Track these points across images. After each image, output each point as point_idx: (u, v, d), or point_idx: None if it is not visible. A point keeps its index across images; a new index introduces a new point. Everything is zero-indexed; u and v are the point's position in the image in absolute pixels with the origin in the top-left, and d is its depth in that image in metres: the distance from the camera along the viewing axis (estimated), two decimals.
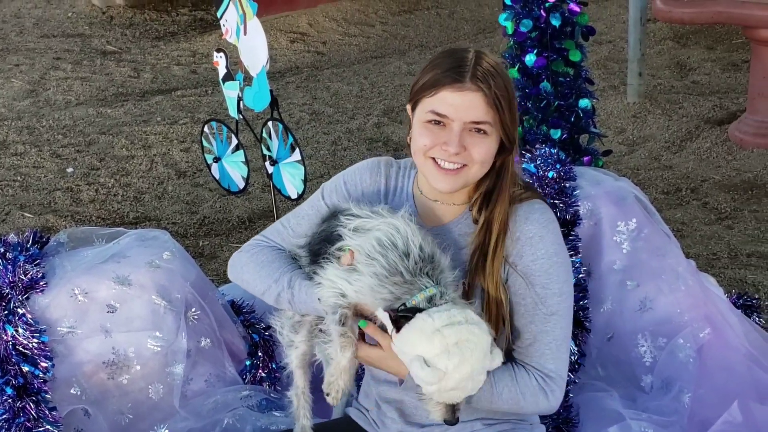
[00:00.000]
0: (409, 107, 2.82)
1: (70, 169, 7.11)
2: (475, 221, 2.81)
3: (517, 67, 4.49)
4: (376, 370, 2.90)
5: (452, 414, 2.63)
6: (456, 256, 2.80)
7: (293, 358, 3.03)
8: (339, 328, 2.71)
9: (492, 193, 2.80)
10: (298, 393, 3.08)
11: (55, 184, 6.86)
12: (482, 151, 2.72)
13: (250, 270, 3.02)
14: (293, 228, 3.01)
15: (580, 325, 3.82)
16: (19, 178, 6.96)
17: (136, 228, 4.69)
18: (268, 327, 3.84)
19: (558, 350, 2.81)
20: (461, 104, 2.67)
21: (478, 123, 2.69)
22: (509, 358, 2.84)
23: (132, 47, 10.33)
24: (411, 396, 2.86)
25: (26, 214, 6.35)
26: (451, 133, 2.68)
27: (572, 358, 3.80)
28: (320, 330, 2.89)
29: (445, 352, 2.54)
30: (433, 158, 2.74)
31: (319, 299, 2.76)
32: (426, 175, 2.80)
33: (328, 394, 2.75)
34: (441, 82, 2.68)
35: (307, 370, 3.06)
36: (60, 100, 8.75)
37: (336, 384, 2.73)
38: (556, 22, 4.37)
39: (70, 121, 8.12)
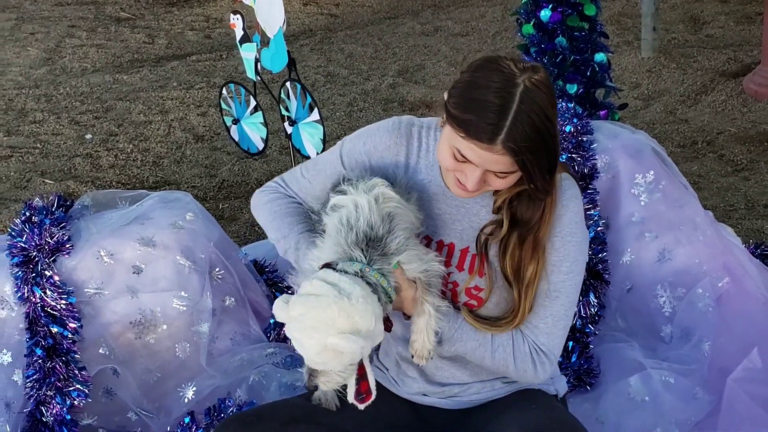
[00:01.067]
0: (445, 103, 2.63)
1: (88, 136, 7.14)
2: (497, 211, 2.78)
3: (532, 22, 4.50)
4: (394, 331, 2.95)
5: (309, 380, 2.61)
6: (470, 223, 2.81)
7: None
8: None
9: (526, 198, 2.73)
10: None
11: (75, 150, 6.90)
12: (502, 185, 2.65)
13: (265, 215, 2.99)
14: (310, 180, 2.97)
15: (599, 277, 3.86)
16: (38, 145, 7.00)
17: (156, 192, 4.73)
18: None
19: (554, 326, 2.80)
20: (488, 159, 2.55)
21: (501, 172, 2.59)
22: None
23: (146, 13, 10.34)
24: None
25: (47, 181, 6.40)
26: (473, 174, 2.60)
27: (592, 309, 3.84)
28: None
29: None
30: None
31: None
32: (446, 179, 2.77)
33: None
34: (472, 133, 2.52)
35: None
36: (76, 67, 8.78)
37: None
38: None
39: (87, 88, 8.16)
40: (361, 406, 2.70)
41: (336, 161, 2.92)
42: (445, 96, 2.63)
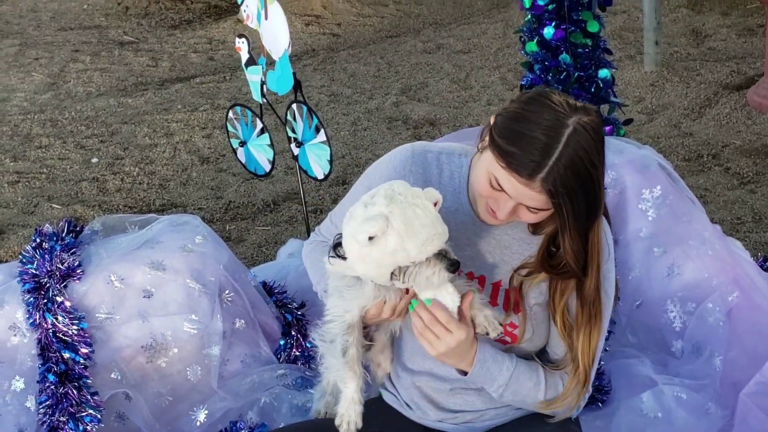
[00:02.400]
0: (490, 127, 2.59)
1: (94, 160, 7.16)
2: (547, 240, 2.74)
3: (536, 40, 4.51)
4: (407, 360, 2.95)
5: (445, 258, 2.53)
6: (507, 258, 2.79)
7: (328, 378, 3.00)
8: (341, 360, 2.74)
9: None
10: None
11: (81, 174, 6.92)
12: (532, 220, 2.63)
13: (308, 265, 3.05)
14: (337, 224, 2.92)
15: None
16: (45, 170, 7.02)
17: (163, 215, 4.74)
18: (301, 306, 3.91)
19: (593, 361, 2.80)
20: (524, 194, 2.51)
21: (534, 208, 2.57)
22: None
23: (149, 36, 10.38)
24: (443, 387, 2.91)
25: (54, 206, 6.41)
26: (506, 203, 2.57)
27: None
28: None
29: (378, 205, 2.50)
30: None
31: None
32: (477, 205, 2.73)
33: (339, 425, 2.77)
34: (513, 166, 2.48)
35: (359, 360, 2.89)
36: (81, 91, 8.80)
37: (347, 415, 2.76)
38: None
39: (92, 112, 8.18)
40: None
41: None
42: (491, 120, 2.60)
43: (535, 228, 2.75)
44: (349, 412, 2.75)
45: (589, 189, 2.52)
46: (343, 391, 2.77)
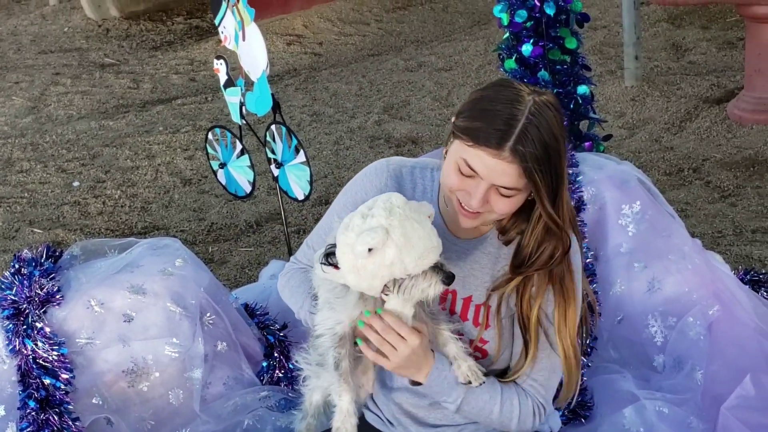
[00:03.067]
0: (452, 124, 2.68)
1: (76, 183, 7.15)
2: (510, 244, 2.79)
3: (514, 57, 4.52)
4: (386, 377, 2.95)
5: (441, 270, 2.57)
6: (477, 273, 2.82)
7: (310, 400, 3.03)
8: (334, 373, 2.75)
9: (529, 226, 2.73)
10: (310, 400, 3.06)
11: (63, 198, 6.91)
12: (504, 208, 2.65)
13: (286, 295, 3.05)
14: (314, 248, 2.95)
15: (590, 309, 3.85)
16: (26, 194, 7.01)
17: (145, 238, 4.74)
18: (284, 327, 3.90)
19: (550, 379, 2.83)
20: (495, 169, 2.56)
21: (506, 188, 2.60)
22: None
23: (130, 58, 10.38)
24: (421, 403, 2.92)
25: (36, 230, 6.39)
26: (477, 189, 2.60)
27: (584, 341, 3.84)
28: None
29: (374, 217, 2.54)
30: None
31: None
32: (448, 209, 2.77)
33: None
34: (481, 140, 2.55)
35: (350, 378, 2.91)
36: (62, 114, 8.79)
37: (343, 429, 2.77)
38: (550, 11, 4.39)
39: (73, 136, 8.17)
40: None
41: (333, 221, 2.87)
42: (452, 119, 2.67)
43: (503, 232, 2.79)
44: (345, 425, 2.76)
45: (555, 160, 2.58)
46: (337, 404, 2.77)
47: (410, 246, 2.50)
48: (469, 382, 2.75)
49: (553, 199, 2.62)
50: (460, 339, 2.76)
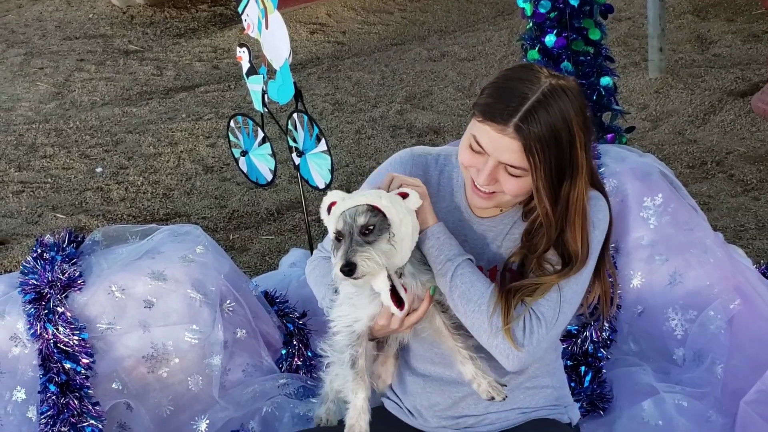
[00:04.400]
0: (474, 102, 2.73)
1: (99, 169, 7.18)
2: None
3: (537, 48, 4.51)
4: (417, 365, 2.96)
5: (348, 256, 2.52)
6: (503, 249, 2.82)
7: (331, 386, 3.03)
8: (350, 371, 2.76)
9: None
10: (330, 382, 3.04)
11: (85, 184, 6.93)
12: (513, 189, 2.66)
13: (312, 283, 3.04)
14: None
15: (611, 301, 3.85)
16: (49, 179, 7.04)
17: (166, 224, 4.75)
18: (303, 315, 3.91)
19: (557, 303, 2.71)
20: (500, 145, 2.59)
21: (512, 166, 2.61)
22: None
23: (154, 45, 10.39)
24: (446, 393, 2.93)
25: (58, 215, 6.42)
26: (485, 165, 2.63)
27: (604, 334, 3.84)
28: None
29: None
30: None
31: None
32: (465, 185, 2.80)
33: None
34: (489, 114, 2.58)
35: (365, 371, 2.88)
36: (86, 101, 8.82)
37: (357, 426, 2.77)
38: (574, 1, 4.38)
39: (96, 122, 8.19)
40: (400, 313, 2.66)
41: None
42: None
43: (525, 211, 2.79)
44: (359, 422, 2.77)
45: (563, 146, 2.58)
46: (351, 401, 2.78)
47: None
48: (492, 398, 2.77)
49: (552, 189, 2.63)
50: (478, 357, 2.76)
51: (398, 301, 2.64)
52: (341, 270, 2.50)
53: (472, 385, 2.78)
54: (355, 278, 2.51)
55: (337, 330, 2.75)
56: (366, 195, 2.57)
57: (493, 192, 2.68)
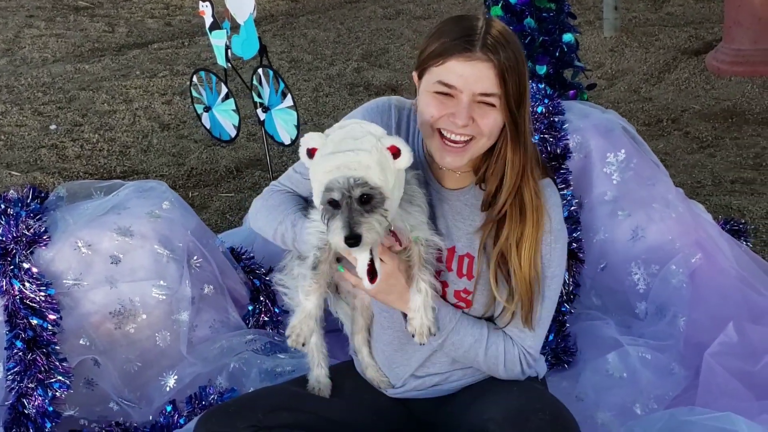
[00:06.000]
0: (415, 75, 2.74)
1: (53, 126, 7.10)
2: (489, 199, 2.78)
3: (500, 4, 4.52)
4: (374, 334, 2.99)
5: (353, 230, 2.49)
6: (459, 224, 2.83)
7: (311, 350, 3.00)
8: (310, 272, 2.73)
9: (492, 160, 2.74)
10: (311, 346, 3.01)
11: (40, 141, 6.86)
12: (490, 123, 2.65)
13: (263, 215, 2.98)
14: (303, 173, 2.93)
15: (574, 257, 3.88)
16: (2, 137, 6.95)
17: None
18: (269, 271, 3.90)
19: (538, 328, 2.85)
20: (471, 74, 2.59)
21: (486, 95, 2.62)
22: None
23: (104, 2, 10.29)
24: (409, 354, 2.95)
25: (13, 173, 6.35)
26: (460, 104, 2.62)
27: (567, 288, 3.87)
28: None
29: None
30: (440, 131, 2.69)
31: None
32: (432, 150, 2.75)
33: (288, 336, 2.75)
34: (449, 51, 2.59)
35: (318, 324, 2.88)
36: (37, 57, 8.71)
37: (298, 328, 2.74)
38: None
39: (48, 79, 8.10)
40: (371, 287, 2.65)
41: None
42: (414, 73, 2.74)
43: (481, 179, 2.80)
44: (302, 326, 2.74)
45: (522, 65, 2.64)
46: (302, 304, 2.74)
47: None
48: (413, 336, 2.76)
49: (518, 106, 2.65)
50: (434, 291, 2.76)
51: (372, 274, 2.63)
52: (346, 241, 2.47)
53: (409, 315, 2.75)
54: (356, 248, 2.50)
55: (310, 233, 2.72)
56: (358, 154, 2.50)
57: (468, 140, 2.67)
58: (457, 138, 2.67)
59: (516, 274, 2.76)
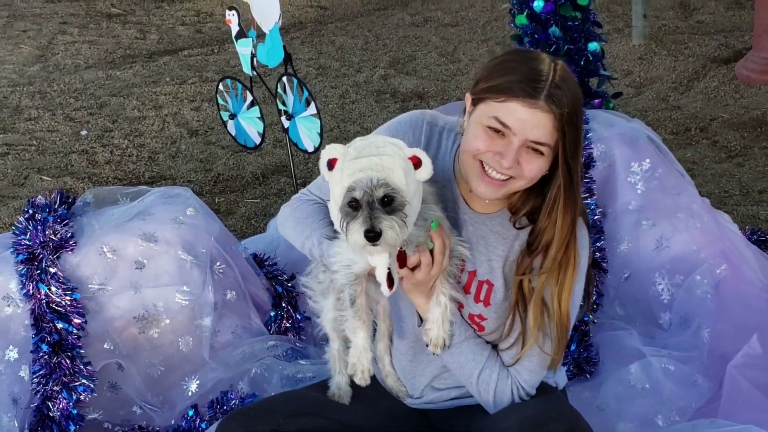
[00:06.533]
0: (469, 98, 2.71)
1: (84, 132, 7.16)
2: (536, 245, 2.76)
3: (525, 13, 4.51)
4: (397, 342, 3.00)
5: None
6: (483, 249, 2.82)
7: (325, 323, 3.01)
8: (350, 310, 2.75)
9: (545, 209, 2.72)
10: (333, 353, 3.05)
11: (71, 146, 6.91)
12: (534, 169, 2.64)
13: (290, 225, 2.96)
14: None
15: (598, 266, 3.88)
16: (34, 142, 7.01)
17: (153, 187, 4.75)
18: (292, 278, 3.92)
19: (538, 365, 2.84)
20: (529, 121, 2.57)
21: (538, 143, 2.60)
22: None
23: (136, 9, 10.35)
24: (430, 366, 2.96)
25: (44, 178, 6.40)
26: (510, 146, 2.60)
27: (591, 298, 3.86)
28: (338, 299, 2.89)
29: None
30: (482, 162, 2.67)
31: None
32: (468, 176, 2.72)
33: (353, 375, 2.81)
34: (513, 91, 2.55)
35: (341, 331, 2.97)
36: (69, 64, 8.78)
37: (360, 364, 2.78)
38: None
39: (80, 85, 8.16)
40: (389, 293, 2.65)
41: None
42: (468, 95, 2.70)
43: (514, 212, 2.79)
44: (361, 360, 2.78)
45: (580, 119, 2.62)
46: (352, 340, 2.78)
47: None
48: (427, 345, 2.78)
49: (573, 157, 2.63)
50: (454, 305, 2.77)
51: (389, 281, 2.63)
52: (366, 236, 2.47)
53: (426, 325, 2.77)
54: (375, 245, 2.48)
55: (336, 269, 2.73)
56: (382, 158, 2.51)
57: (508, 179, 2.66)
58: (497, 176, 2.65)
59: (554, 316, 2.76)
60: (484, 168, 2.65)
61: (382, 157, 2.50)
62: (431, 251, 2.64)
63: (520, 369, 2.83)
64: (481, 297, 2.83)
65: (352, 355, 2.79)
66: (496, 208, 2.82)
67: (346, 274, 2.71)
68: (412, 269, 2.66)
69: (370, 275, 2.71)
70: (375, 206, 2.47)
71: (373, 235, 2.46)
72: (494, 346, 2.88)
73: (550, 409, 2.77)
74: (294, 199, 3.03)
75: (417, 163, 2.54)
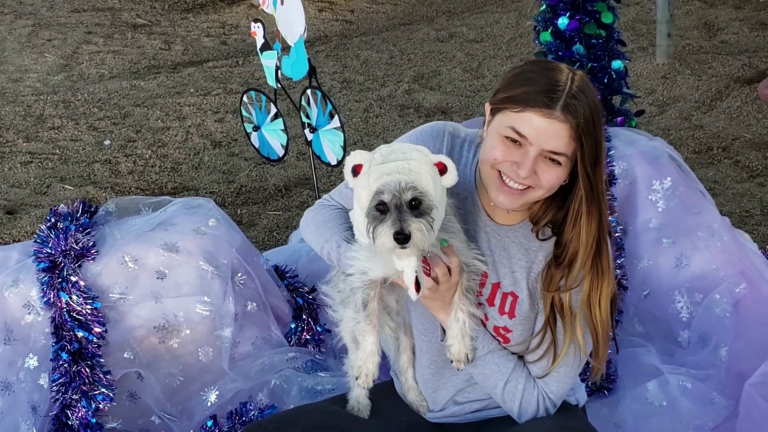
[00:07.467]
0: (488, 108, 2.72)
1: (107, 142, 7.20)
2: (563, 257, 2.76)
3: (550, 30, 4.53)
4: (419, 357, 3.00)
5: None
6: (506, 260, 2.83)
7: (345, 333, 3.00)
8: (362, 313, 2.77)
9: (569, 221, 2.71)
10: (352, 365, 3.02)
11: (94, 156, 6.95)
12: (551, 179, 2.64)
13: (311, 229, 2.98)
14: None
15: (618, 283, 3.88)
16: (57, 151, 7.06)
17: (175, 198, 4.77)
18: (312, 290, 3.93)
19: (566, 376, 2.85)
20: (545, 131, 2.57)
21: (555, 153, 2.60)
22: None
23: (161, 20, 10.40)
24: (451, 381, 2.97)
25: (67, 187, 6.44)
26: (526, 156, 2.60)
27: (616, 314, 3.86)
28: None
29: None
30: (500, 172, 2.67)
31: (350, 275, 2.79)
32: (487, 186, 2.73)
33: (357, 378, 2.83)
34: (530, 101, 2.56)
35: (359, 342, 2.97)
36: (93, 73, 8.83)
37: (365, 368, 2.79)
38: None
39: (104, 94, 8.21)
40: (416, 297, 2.63)
41: None
42: (488, 104, 2.71)
43: (535, 222, 2.79)
44: (367, 364, 2.79)
45: (598, 126, 2.61)
46: (361, 343, 2.80)
47: None
48: (451, 362, 2.79)
49: (593, 166, 2.63)
50: (473, 320, 2.77)
51: (417, 285, 2.63)
52: (395, 237, 2.46)
53: (447, 342, 2.78)
54: (404, 248, 2.48)
55: (352, 272, 2.74)
56: (409, 162, 2.52)
57: (526, 188, 2.66)
58: (515, 185, 2.66)
59: (599, 327, 2.76)
60: (502, 178, 2.66)
61: (409, 161, 2.51)
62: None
63: (548, 380, 2.84)
64: (506, 309, 2.83)
65: (360, 358, 2.80)
66: (518, 220, 2.82)
67: (361, 277, 2.72)
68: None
69: (386, 282, 2.74)
70: (403, 209, 2.47)
71: (402, 238, 2.46)
72: (520, 357, 2.88)
73: (568, 427, 2.78)
74: (317, 204, 3.06)
75: (442, 170, 2.56)
